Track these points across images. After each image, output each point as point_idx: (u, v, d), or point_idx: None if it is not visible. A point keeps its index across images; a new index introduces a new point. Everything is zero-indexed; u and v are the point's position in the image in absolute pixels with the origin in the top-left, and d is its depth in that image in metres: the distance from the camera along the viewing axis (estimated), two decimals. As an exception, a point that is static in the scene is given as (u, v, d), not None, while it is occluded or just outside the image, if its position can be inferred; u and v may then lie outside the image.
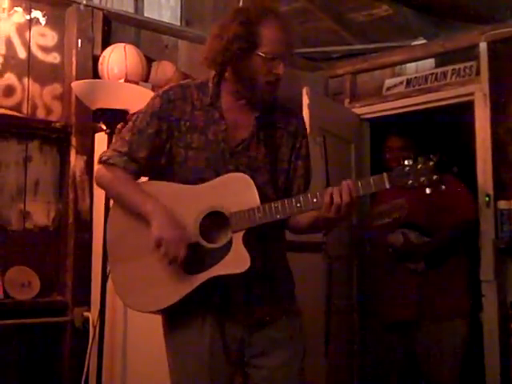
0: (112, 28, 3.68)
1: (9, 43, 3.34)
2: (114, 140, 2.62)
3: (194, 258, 1.82)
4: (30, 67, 3.39)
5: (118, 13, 3.71)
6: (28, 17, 3.40)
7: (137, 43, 3.69)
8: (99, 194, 3.18)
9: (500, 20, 3.93)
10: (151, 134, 1.92)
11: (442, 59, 4.24)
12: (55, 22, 3.50)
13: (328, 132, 3.89)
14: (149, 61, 3.58)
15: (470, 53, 4.06)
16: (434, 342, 3.49)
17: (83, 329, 3.30)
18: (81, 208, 3.43)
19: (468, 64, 4.06)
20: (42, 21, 3.45)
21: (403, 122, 4.25)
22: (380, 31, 4.42)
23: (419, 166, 1.74)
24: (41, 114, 3.42)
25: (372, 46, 4.52)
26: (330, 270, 3.73)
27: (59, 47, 3.50)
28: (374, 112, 4.51)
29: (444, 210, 3.52)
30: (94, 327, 3.19)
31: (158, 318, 1.99)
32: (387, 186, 1.76)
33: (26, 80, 3.37)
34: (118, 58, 3.39)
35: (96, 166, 2.09)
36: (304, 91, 3.76)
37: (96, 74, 3.47)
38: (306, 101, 3.73)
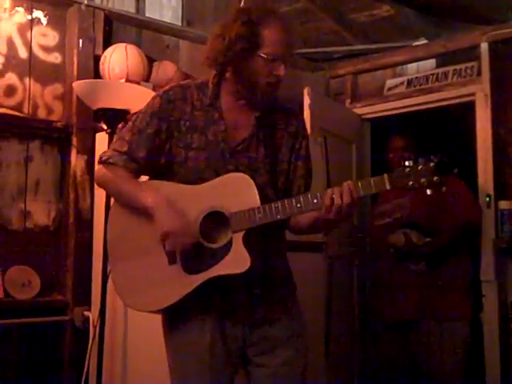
0: (113, 28, 3.68)
1: (10, 43, 3.34)
2: (113, 140, 2.62)
3: (194, 258, 1.82)
4: (32, 67, 3.39)
5: (120, 13, 3.72)
6: (29, 17, 3.41)
7: (138, 43, 3.69)
8: (100, 194, 3.18)
9: (501, 20, 3.94)
10: (151, 134, 1.92)
11: (443, 59, 4.24)
12: (56, 22, 3.50)
13: (329, 132, 3.89)
14: (150, 61, 3.58)
15: (471, 53, 4.06)
16: (434, 342, 3.49)
17: (83, 328, 3.30)
18: (81, 208, 3.43)
19: (469, 64, 4.06)
20: (44, 21, 3.46)
21: (404, 123, 4.25)
22: (381, 31, 4.42)
23: (420, 167, 1.74)
24: (42, 113, 3.42)
25: (373, 46, 4.52)
26: (330, 270, 3.74)
27: (60, 47, 3.50)
28: (375, 112, 4.51)
29: (445, 211, 3.52)
30: (94, 327, 3.20)
31: (158, 318, 1.99)
32: (388, 186, 1.76)
33: (27, 80, 3.38)
34: (119, 58, 3.39)
35: (96, 166, 2.10)
36: (305, 91, 3.76)
37: (97, 74, 3.47)
38: (307, 101, 3.73)
